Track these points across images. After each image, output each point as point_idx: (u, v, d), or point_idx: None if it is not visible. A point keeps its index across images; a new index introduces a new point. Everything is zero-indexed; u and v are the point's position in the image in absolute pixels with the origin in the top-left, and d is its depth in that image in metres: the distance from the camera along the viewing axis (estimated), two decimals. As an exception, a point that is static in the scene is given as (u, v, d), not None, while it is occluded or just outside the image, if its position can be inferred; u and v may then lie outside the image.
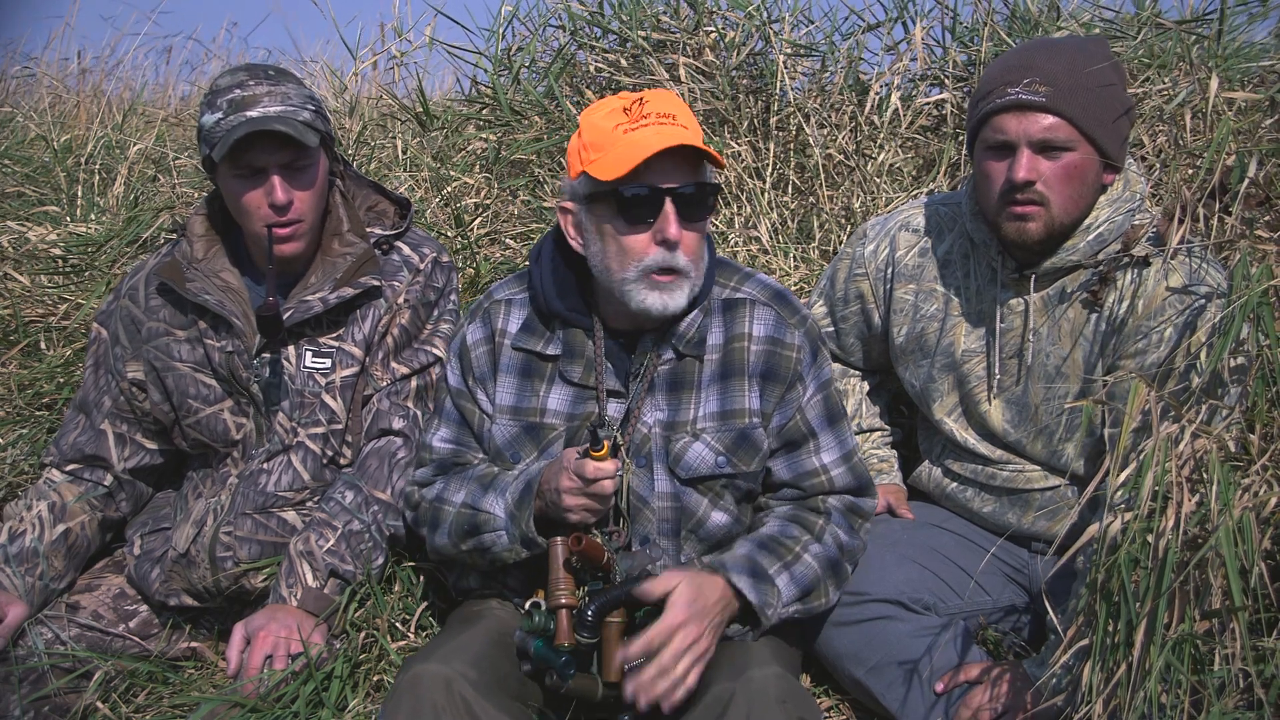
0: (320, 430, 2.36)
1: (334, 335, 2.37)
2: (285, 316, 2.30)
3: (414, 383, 2.39)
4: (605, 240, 1.99)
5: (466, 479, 2.12)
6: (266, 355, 2.34)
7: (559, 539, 1.94)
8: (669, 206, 1.94)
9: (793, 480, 2.12)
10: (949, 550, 2.31)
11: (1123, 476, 1.82)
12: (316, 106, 2.31)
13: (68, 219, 3.64)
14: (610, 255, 1.98)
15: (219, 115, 2.23)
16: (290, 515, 2.36)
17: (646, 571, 1.94)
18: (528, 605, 1.94)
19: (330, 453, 2.37)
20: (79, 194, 3.81)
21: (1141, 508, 1.76)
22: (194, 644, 2.46)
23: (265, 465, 2.36)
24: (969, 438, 2.35)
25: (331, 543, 2.25)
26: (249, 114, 2.22)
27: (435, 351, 2.40)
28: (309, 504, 2.38)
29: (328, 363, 2.36)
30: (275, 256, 2.29)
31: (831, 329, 2.51)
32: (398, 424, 2.36)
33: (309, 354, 2.36)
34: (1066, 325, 2.22)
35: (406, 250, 2.44)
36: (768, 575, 1.97)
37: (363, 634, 2.25)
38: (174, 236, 2.49)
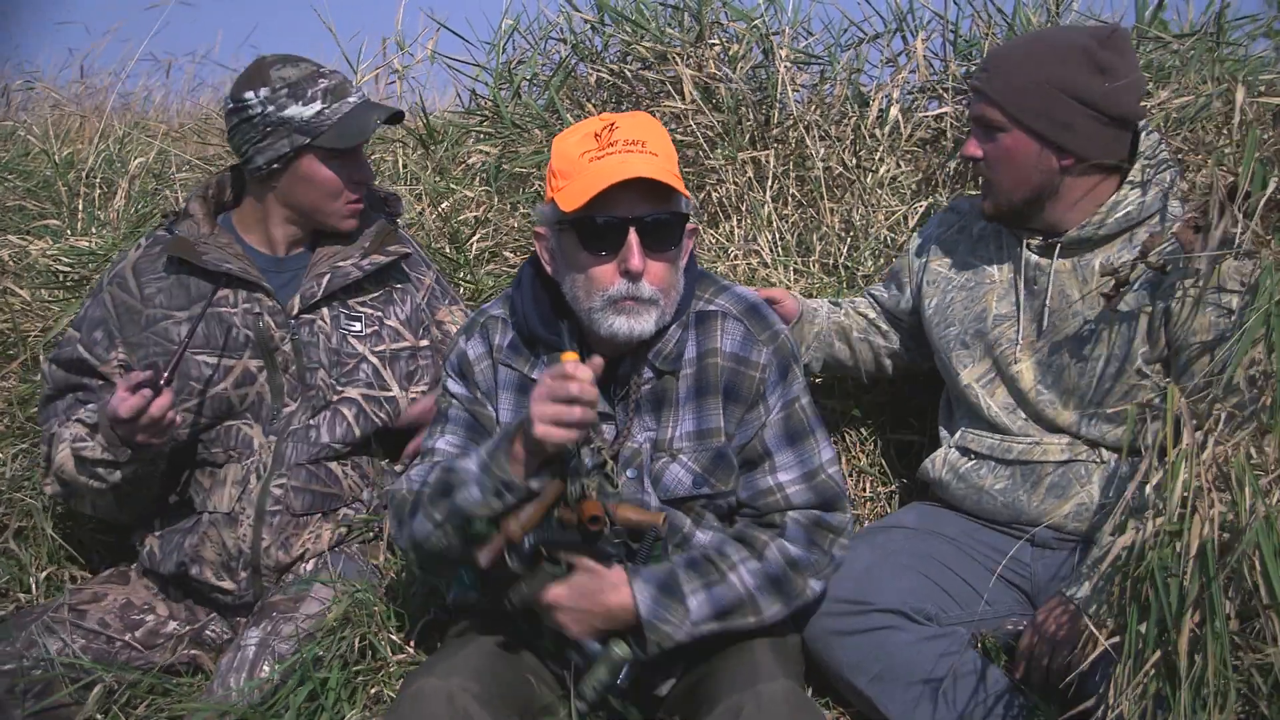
0: (370, 392, 2.47)
1: (364, 300, 2.51)
2: (324, 284, 2.45)
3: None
4: (573, 269, 1.96)
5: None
6: (305, 315, 2.45)
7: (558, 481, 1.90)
8: (632, 237, 1.90)
9: (748, 500, 2.08)
10: (949, 559, 2.30)
11: (1154, 480, 1.85)
12: None
13: (68, 232, 3.65)
14: (578, 284, 1.95)
15: (318, 105, 2.37)
16: (335, 467, 2.45)
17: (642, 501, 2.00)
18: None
19: (384, 416, 2.49)
20: (80, 208, 3.82)
21: (1170, 510, 1.78)
22: (196, 652, 2.45)
23: (312, 421, 2.44)
24: (994, 404, 2.37)
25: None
26: (350, 100, 2.41)
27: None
28: (356, 459, 2.48)
29: (358, 325, 2.49)
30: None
31: (879, 309, 2.65)
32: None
33: (343, 315, 2.49)
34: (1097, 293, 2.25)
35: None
36: (679, 592, 1.94)
37: (361, 644, 2.24)
38: (165, 223, 2.55)
